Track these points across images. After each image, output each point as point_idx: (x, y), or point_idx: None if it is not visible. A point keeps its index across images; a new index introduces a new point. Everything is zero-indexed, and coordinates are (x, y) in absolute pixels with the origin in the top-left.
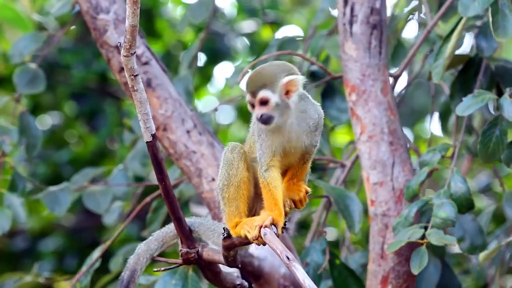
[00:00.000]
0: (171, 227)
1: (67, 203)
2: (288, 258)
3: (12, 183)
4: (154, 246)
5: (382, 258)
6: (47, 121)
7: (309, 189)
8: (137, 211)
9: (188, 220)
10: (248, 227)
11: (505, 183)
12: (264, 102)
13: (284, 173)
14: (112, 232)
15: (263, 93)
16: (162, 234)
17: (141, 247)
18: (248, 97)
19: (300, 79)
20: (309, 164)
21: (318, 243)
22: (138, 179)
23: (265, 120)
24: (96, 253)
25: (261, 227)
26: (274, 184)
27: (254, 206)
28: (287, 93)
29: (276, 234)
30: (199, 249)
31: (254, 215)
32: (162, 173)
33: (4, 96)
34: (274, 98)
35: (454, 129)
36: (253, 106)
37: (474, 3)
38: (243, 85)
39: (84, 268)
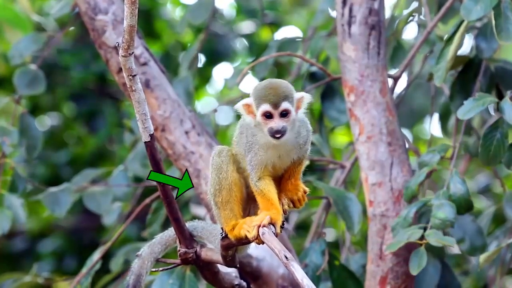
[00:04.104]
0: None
1: (68, 204)
2: (286, 258)
3: (13, 184)
4: (157, 249)
5: (380, 259)
6: (46, 122)
7: (307, 189)
8: (137, 212)
9: (191, 224)
10: (247, 227)
11: (505, 183)
12: (285, 114)
13: (277, 178)
14: (112, 233)
15: (286, 105)
16: (165, 237)
17: (144, 250)
18: (265, 107)
19: (308, 97)
20: (304, 165)
21: (317, 244)
22: (138, 180)
23: (283, 133)
24: (96, 255)
25: (259, 226)
26: (267, 189)
27: (248, 207)
28: (296, 109)
29: (274, 233)
30: (197, 249)
31: (248, 216)
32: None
33: (4, 97)
34: (293, 111)
35: (454, 130)
36: (266, 117)
37: (476, 6)
38: (242, 87)
39: (84, 270)
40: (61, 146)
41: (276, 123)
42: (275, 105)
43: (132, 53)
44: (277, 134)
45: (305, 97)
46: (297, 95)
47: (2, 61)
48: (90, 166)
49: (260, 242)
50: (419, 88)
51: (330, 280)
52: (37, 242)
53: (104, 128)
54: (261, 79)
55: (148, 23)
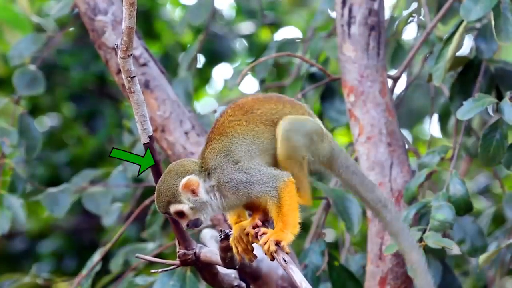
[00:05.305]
0: None
1: (67, 205)
2: (284, 260)
3: (12, 184)
4: None
5: (380, 259)
6: (45, 122)
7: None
8: (136, 214)
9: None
10: (242, 252)
11: (505, 184)
12: (180, 214)
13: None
14: (111, 234)
15: (173, 209)
16: None
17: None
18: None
19: (193, 178)
20: (287, 211)
21: (317, 245)
22: (138, 180)
23: (195, 225)
24: (96, 256)
25: (256, 235)
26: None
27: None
28: (194, 192)
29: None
30: (197, 251)
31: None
32: (159, 175)
33: (4, 98)
34: (185, 206)
35: (454, 131)
36: None
37: (476, 7)
38: (242, 87)
39: (84, 271)
40: (60, 147)
41: (182, 223)
42: (167, 214)
43: (131, 54)
44: (192, 228)
45: (189, 181)
46: (179, 187)
47: (1, 62)
48: (89, 167)
49: (251, 258)
50: (419, 89)
51: (329, 281)
52: (37, 243)
53: (104, 129)
54: (261, 80)
55: (147, 23)
